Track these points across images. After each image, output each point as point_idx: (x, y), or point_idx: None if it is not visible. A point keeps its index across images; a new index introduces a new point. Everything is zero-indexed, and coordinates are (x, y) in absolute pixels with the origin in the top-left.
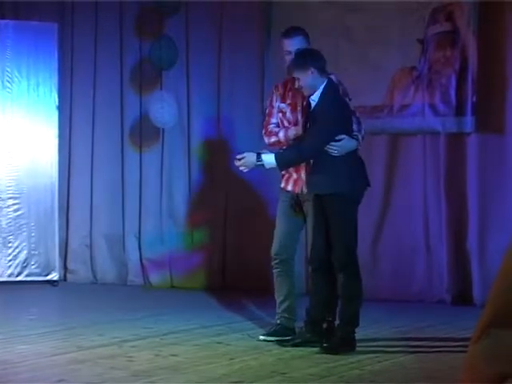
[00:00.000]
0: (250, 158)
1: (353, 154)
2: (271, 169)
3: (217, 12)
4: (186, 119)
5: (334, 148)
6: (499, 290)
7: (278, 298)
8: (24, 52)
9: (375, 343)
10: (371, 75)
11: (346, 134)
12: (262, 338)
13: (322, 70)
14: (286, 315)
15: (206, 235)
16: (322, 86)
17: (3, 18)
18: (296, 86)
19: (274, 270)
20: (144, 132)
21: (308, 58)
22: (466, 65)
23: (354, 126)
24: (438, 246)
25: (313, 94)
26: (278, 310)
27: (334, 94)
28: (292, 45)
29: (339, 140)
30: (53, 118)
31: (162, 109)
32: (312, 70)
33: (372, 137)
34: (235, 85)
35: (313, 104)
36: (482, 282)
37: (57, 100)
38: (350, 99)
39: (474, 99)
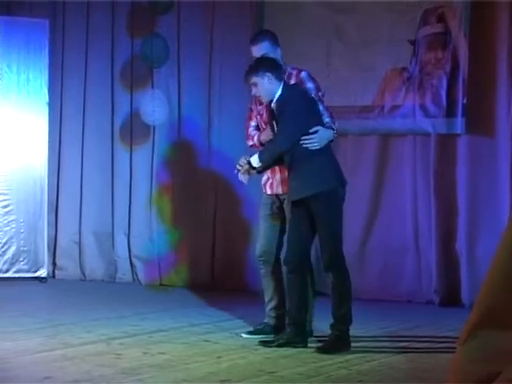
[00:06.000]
0: (245, 165)
1: (328, 153)
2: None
3: (209, 11)
4: (176, 117)
5: (314, 141)
6: (488, 291)
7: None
8: (15, 48)
9: (363, 343)
10: (362, 76)
11: (318, 125)
12: (245, 336)
13: (278, 76)
14: (272, 314)
15: (194, 233)
16: (280, 89)
17: None
18: (252, 93)
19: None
20: (134, 129)
21: (263, 63)
22: (456, 66)
23: (327, 119)
24: (427, 246)
25: (272, 100)
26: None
27: (292, 89)
28: (257, 51)
29: (315, 132)
30: (43, 115)
31: (153, 106)
32: (268, 74)
33: (362, 137)
34: (226, 83)
35: (275, 108)
36: (470, 283)
37: (47, 96)
38: (323, 95)
39: (465, 101)
